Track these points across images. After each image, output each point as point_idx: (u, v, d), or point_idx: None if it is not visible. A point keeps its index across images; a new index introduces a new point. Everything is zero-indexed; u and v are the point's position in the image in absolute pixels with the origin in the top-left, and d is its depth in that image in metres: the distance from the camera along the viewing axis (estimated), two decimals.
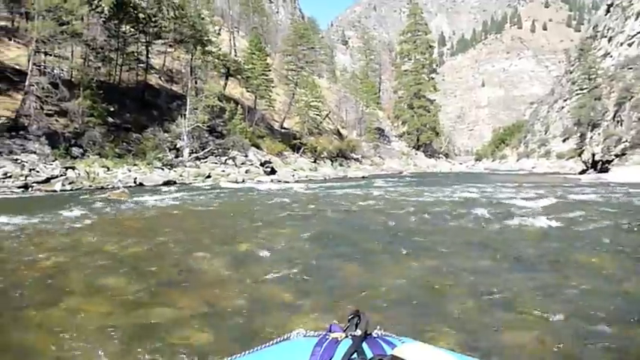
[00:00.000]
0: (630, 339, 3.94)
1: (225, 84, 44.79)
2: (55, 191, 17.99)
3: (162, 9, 35.44)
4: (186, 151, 30.25)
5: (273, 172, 33.54)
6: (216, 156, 32.22)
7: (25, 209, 11.43)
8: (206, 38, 38.55)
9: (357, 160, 54.87)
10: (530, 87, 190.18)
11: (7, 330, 3.99)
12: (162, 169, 26.21)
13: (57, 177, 19.60)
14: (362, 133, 64.04)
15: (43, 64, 23.89)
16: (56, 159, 21.19)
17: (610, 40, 63.53)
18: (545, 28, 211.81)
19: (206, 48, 38.07)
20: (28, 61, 23.42)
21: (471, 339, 3.94)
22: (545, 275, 5.89)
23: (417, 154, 70.89)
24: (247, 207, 14.21)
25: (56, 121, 23.80)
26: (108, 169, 22.79)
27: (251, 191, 20.06)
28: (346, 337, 1.08)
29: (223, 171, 29.77)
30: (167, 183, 22.96)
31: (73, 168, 21.11)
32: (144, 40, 35.06)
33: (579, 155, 50.44)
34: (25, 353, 3.64)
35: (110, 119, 27.24)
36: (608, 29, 65.12)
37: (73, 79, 26.93)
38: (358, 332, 1.08)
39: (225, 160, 32.39)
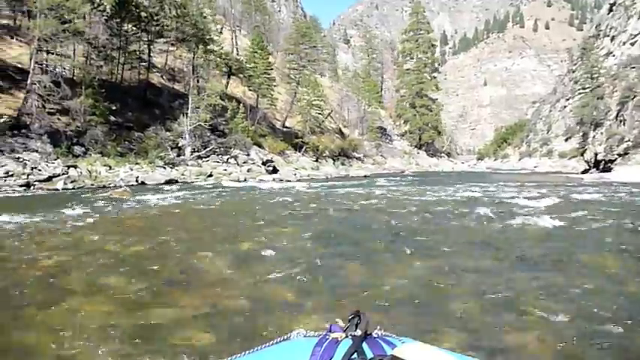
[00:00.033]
0: (634, 339, 3.91)
1: (227, 83, 44.78)
2: (57, 190, 18.00)
3: (164, 8, 35.44)
4: (188, 150, 30.26)
5: (275, 171, 33.54)
6: (218, 155, 32.22)
7: (26, 208, 11.43)
8: (208, 37, 38.56)
9: (359, 159, 54.80)
10: (532, 86, 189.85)
11: (9, 329, 3.98)
12: (164, 167, 26.21)
13: (59, 176, 19.62)
14: (364, 132, 63.95)
15: (45, 62, 23.90)
16: (58, 157, 21.21)
17: (612, 39, 63.39)
18: (547, 27, 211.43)
19: (208, 47, 38.08)
20: (30, 59, 23.43)
21: (474, 339, 3.91)
22: (549, 275, 5.85)
23: (419, 153, 70.78)
24: (249, 206, 14.20)
25: (58, 119, 23.81)
26: (110, 167, 22.80)
27: (253, 190, 20.05)
28: (346, 337, 1.08)
29: (225, 170, 29.76)
30: (169, 182, 22.98)
31: (75, 167, 21.13)
32: (146, 39, 35.03)
33: (582, 154, 50.31)
34: (27, 353, 3.62)
35: (112, 118, 27.25)
36: (611, 28, 64.97)
37: (75, 78, 26.96)
38: (358, 332, 1.07)
39: (227, 159, 32.39)
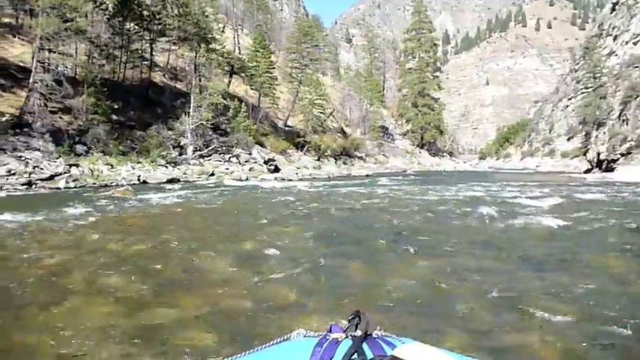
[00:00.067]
0: (638, 340, 3.88)
1: (229, 82, 44.75)
2: (59, 188, 18.01)
3: (166, 6, 35.40)
4: (190, 149, 30.25)
5: (276, 170, 33.52)
6: (220, 154, 32.20)
7: (28, 206, 11.43)
8: (210, 36, 38.51)
9: (360, 158, 54.76)
10: (534, 85, 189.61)
11: (10, 329, 3.96)
12: (166, 166, 26.21)
13: (61, 174, 19.61)
14: (366, 131, 63.89)
15: (47, 61, 23.89)
16: (60, 156, 21.21)
17: (615, 38, 63.29)
18: (549, 27, 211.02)
19: (210, 46, 38.05)
20: (32, 58, 23.43)
21: (478, 340, 3.88)
22: (553, 275, 5.83)
23: (421, 153, 70.72)
24: (251, 205, 14.19)
25: (60, 118, 23.81)
26: (112, 166, 22.80)
27: (255, 189, 20.04)
28: (346, 337, 1.07)
29: (227, 169, 29.75)
30: (171, 181, 22.98)
31: (77, 165, 21.13)
32: (148, 38, 35.04)
33: (584, 154, 50.20)
34: (28, 353, 3.60)
35: (114, 117, 27.24)
36: (614, 28, 64.87)
37: (77, 77, 26.96)
38: (358, 333, 1.07)
39: (229, 157, 32.37)
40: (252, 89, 46.30)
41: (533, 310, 4.46)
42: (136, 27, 33.81)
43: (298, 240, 8.10)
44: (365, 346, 1.02)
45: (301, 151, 44.90)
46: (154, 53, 36.41)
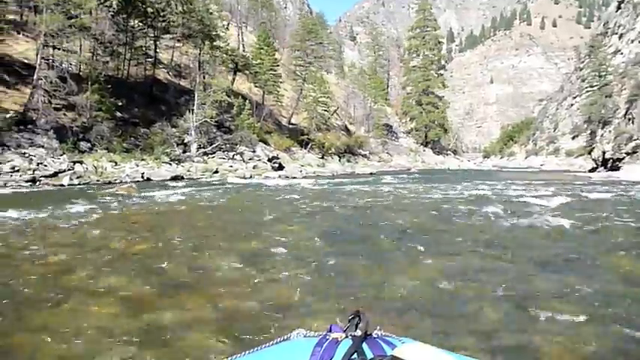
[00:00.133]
0: None
1: (234, 79, 44.76)
2: (63, 185, 18.00)
3: (170, 3, 35.36)
4: (193, 146, 30.23)
5: (280, 167, 33.50)
6: (223, 151, 32.20)
7: (32, 203, 11.40)
8: (214, 33, 38.50)
9: (364, 156, 54.73)
10: (539, 84, 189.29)
11: (12, 329, 3.90)
12: (170, 164, 26.20)
13: (65, 171, 19.61)
14: (370, 129, 63.83)
15: (51, 57, 23.90)
16: (64, 153, 21.20)
17: (621, 37, 63.04)
18: (554, 25, 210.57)
19: (214, 43, 38.05)
20: (37, 54, 23.43)
21: (484, 340, 3.81)
22: (560, 275, 5.74)
23: (425, 151, 70.62)
24: (255, 203, 14.14)
25: (64, 115, 23.82)
26: (116, 163, 22.80)
27: (259, 187, 20.01)
28: (346, 337, 1.08)
29: (231, 166, 29.74)
30: (175, 178, 22.97)
31: (81, 162, 21.12)
32: (152, 35, 35.04)
33: (589, 153, 49.99)
34: (29, 353, 3.54)
35: (118, 114, 27.26)
36: (619, 26, 64.60)
37: (81, 73, 26.95)
38: (358, 332, 1.08)
39: (233, 155, 32.36)
40: (256, 87, 46.28)
41: (540, 310, 4.39)
42: (140, 24, 33.83)
43: (303, 238, 8.03)
44: (365, 346, 1.03)
45: (305, 148, 44.88)
46: (158, 50, 36.41)
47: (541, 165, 65.33)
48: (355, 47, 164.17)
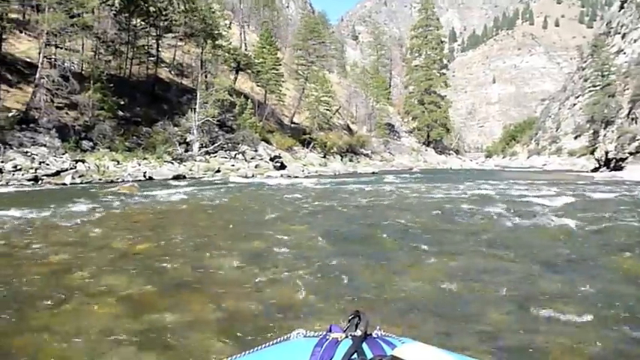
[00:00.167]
0: None
1: (236, 78, 44.77)
2: (65, 184, 18.03)
3: (172, 2, 35.42)
4: (196, 146, 30.24)
5: (282, 167, 33.50)
6: (225, 150, 32.21)
7: (34, 202, 11.41)
8: (216, 32, 38.54)
9: (366, 155, 54.68)
10: (541, 84, 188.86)
11: (12, 328, 3.88)
12: (172, 163, 26.23)
13: (67, 170, 19.64)
14: (372, 128, 63.77)
15: (53, 56, 23.96)
16: (66, 152, 21.23)
17: (624, 36, 62.90)
18: (557, 25, 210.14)
19: (216, 42, 38.07)
20: (39, 53, 23.46)
21: (487, 341, 3.79)
22: (563, 275, 5.71)
23: (427, 151, 70.51)
24: (257, 202, 14.11)
25: (66, 114, 23.85)
26: (118, 162, 22.83)
27: (261, 186, 20.00)
28: (346, 337, 1.08)
29: (233, 165, 29.75)
30: (177, 177, 23.00)
31: (83, 161, 21.15)
32: (154, 34, 35.09)
33: (591, 153, 49.89)
34: (29, 353, 3.52)
35: (120, 113, 27.30)
36: (622, 26, 64.46)
37: (83, 72, 27.00)
38: (358, 332, 1.07)
39: (235, 154, 32.37)
40: (258, 86, 46.31)
41: (543, 310, 4.36)
42: (143, 23, 33.86)
43: (305, 238, 8.01)
44: (365, 346, 1.02)
45: (307, 148, 44.87)
46: (160, 49, 36.46)
47: (543, 165, 65.17)
48: (357, 46, 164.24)
